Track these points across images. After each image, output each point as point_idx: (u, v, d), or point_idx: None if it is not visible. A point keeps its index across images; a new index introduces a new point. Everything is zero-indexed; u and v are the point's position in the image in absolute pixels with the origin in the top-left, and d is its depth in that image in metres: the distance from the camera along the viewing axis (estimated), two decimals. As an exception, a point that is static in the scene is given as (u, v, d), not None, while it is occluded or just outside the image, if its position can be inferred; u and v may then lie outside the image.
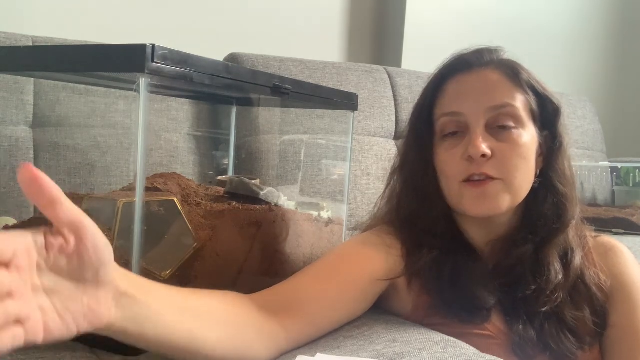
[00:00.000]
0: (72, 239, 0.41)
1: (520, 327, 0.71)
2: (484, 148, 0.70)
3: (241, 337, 0.57)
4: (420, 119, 0.79)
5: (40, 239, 0.40)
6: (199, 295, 0.57)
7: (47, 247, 0.40)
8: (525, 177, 0.73)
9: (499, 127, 0.73)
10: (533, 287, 0.73)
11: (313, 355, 0.60)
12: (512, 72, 0.75)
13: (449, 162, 0.74)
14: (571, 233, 0.77)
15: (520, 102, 0.74)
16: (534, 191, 0.76)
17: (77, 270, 0.41)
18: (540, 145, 0.76)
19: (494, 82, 0.74)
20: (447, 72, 0.78)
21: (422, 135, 0.79)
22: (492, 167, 0.71)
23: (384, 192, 0.85)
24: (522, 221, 0.77)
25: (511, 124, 0.73)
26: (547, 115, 0.77)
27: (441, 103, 0.77)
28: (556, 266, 0.74)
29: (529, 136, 0.74)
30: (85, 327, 0.42)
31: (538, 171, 0.77)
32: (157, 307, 0.49)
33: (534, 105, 0.75)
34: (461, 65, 0.77)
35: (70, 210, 0.40)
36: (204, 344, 0.53)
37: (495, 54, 0.78)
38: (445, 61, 0.79)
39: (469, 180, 0.72)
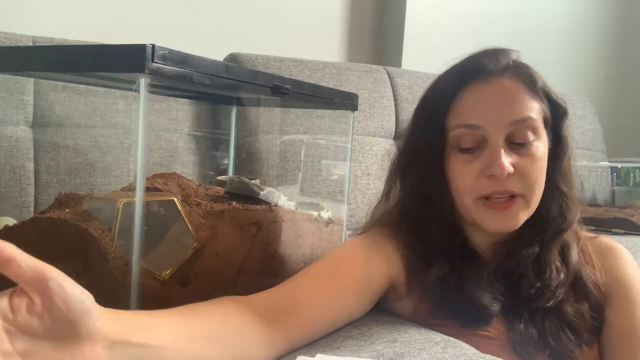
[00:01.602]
0: (37, 298, 0.38)
1: (522, 325, 0.71)
2: (509, 167, 0.69)
3: (241, 344, 0.57)
4: (432, 126, 0.75)
5: (4, 302, 0.38)
6: (196, 313, 0.55)
7: (13, 309, 0.38)
8: (540, 189, 0.73)
9: (519, 142, 0.71)
10: (538, 285, 0.73)
11: (313, 356, 0.60)
12: (530, 80, 0.73)
13: (466, 177, 0.72)
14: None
15: (537, 113, 0.72)
16: None
17: (52, 328, 0.39)
18: (548, 148, 0.75)
19: (514, 93, 0.72)
20: (463, 78, 0.74)
21: (433, 143, 0.75)
22: (514, 184, 0.70)
23: (383, 192, 0.84)
24: (528, 222, 0.76)
25: (530, 137, 0.71)
26: (555, 119, 0.76)
27: (456, 112, 0.73)
28: (557, 264, 0.75)
29: (544, 146, 0.73)
30: None
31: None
32: (157, 343, 0.48)
33: (547, 112, 0.74)
34: (478, 72, 0.73)
35: (30, 267, 0.38)
36: None
37: (510, 57, 0.75)
38: (459, 64, 0.76)
39: (489, 198, 0.71)
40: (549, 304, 0.72)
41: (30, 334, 0.39)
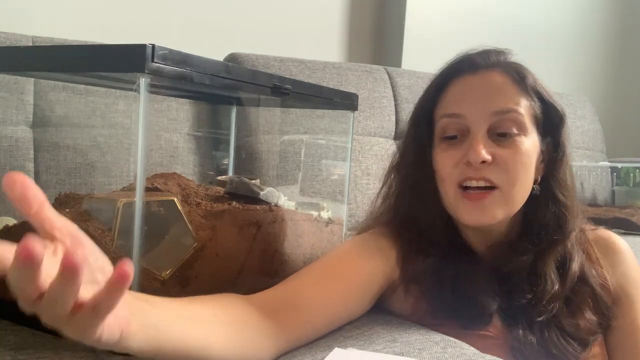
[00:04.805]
0: (67, 240, 0.40)
1: (520, 332, 0.71)
2: (484, 154, 0.69)
3: (244, 339, 0.57)
4: (421, 118, 0.78)
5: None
6: (200, 302, 0.56)
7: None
8: (523, 186, 0.72)
9: (501, 133, 0.71)
10: (529, 296, 0.72)
11: (313, 353, 0.60)
12: (519, 76, 0.73)
13: (446, 164, 0.73)
14: (570, 241, 0.76)
15: (524, 108, 0.72)
16: (535, 199, 0.75)
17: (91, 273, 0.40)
18: (542, 152, 0.75)
19: (499, 85, 0.72)
20: (451, 72, 0.76)
21: (421, 135, 0.77)
22: (491, 172, 0.70)
23: (381, 190, 0.84)
24: (523, 229, 0.76)
25: (514, 130, 0.71)
26: (550, 122, 0.75)
27: (443, 103, 0.75)
28: (552, 276, 0.74)
29: (530, 143, 0.72)
30: (116, 332, 0.40)
31: (539, 178, 0.75)
32: (167, 315, 0.48)
33: (538, 112, 0.74)
34: (467, 66, 0.75)
35: (56, 215, 0.40)
36: (214, 350, 0.53)
37: (502, 56, 0.76)
38: (450, 60, 0.77)
39: (466, 187, 0.71)
40: (542, 318, 0.71)
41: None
